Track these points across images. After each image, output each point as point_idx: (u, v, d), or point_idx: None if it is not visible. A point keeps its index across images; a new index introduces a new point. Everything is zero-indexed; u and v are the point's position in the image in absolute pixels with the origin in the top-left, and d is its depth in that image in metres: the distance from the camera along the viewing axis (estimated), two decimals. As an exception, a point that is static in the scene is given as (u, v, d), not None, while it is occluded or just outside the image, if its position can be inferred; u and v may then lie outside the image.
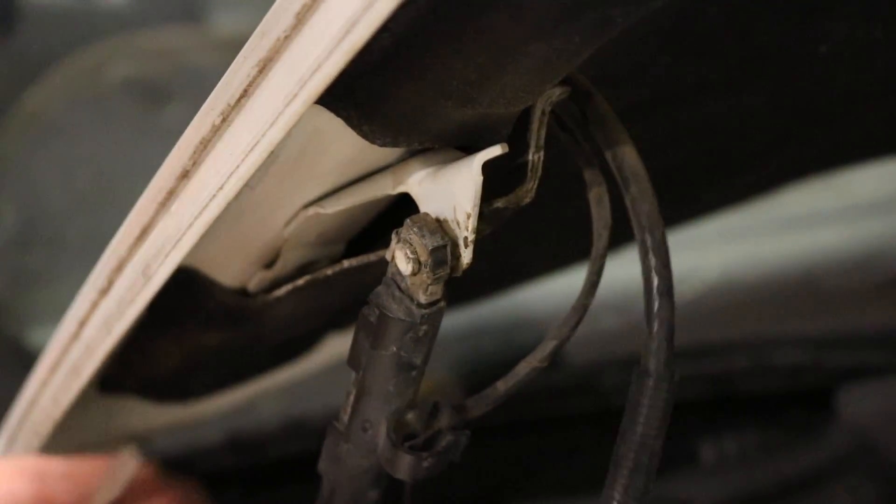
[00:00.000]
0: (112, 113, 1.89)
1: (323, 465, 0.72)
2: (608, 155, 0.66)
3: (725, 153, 0.99)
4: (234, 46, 0.61)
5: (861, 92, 0.95)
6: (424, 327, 0.65)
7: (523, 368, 0.70)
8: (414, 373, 0.67)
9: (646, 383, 0.65)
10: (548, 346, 0.69)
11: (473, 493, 0.97)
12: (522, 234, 0.87)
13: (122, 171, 1.77)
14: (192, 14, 2.20)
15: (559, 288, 0.93)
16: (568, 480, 0.91)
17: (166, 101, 1.87)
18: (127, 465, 0.88)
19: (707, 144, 0.95)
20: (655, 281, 0.65)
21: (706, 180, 1.04)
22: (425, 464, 0.68)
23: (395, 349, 0.66)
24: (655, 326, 0.65)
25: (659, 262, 0.65)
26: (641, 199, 0.65)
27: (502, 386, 0.71)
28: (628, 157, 0.65)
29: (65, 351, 0.83)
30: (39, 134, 1.82)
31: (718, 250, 1.79)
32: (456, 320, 1.39)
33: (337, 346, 1.06)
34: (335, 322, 0.99)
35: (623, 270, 1.39)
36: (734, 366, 1.47)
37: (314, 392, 1.35)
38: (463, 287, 0.68)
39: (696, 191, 1.06)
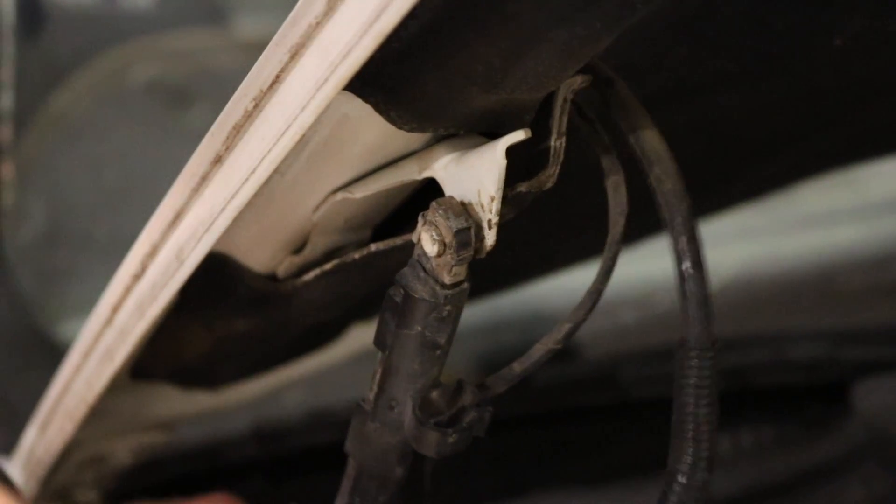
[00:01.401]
0: (137, 114, 1.91)
1: (350, 445, 0.73)
2: (631, 138, 0.67)
3: (742, 145, 1.00)
4: (255, 49, 0.63)
5: (876, 85, 0.96)
6: (448, 307, 0.66)
7: (539, 349, 0.72)
8: (438, 352, 0.68)
9: (689, 356, 0.67)
10: (563, 329, 0.71)
11: (493, 481, 0.97)
12: (543, 226, 0.88)
13: (146, 171, 1.78)
14: (215, 17, 2.21)
15: (579, 282, 0.94)
16: (588, 471, 0.92)
17: (189, 102, 1.88)
18: None
19: (724, 136, 0.95)
20: (686, 256, 0.67)
21: (723, 173, 1.05)
22: (451, 439, 0.69)
23: (419, 329, 0.67)
24: (689, 299, 0.67)
25: (687, 238, 0.66)
26: (666, 179, 0.66)
27: (518, 366, 0.72)
28: (651, 139, 0.67)
29: (98, 336, 0.84)
30: (66, 134, 1.83)
31: (737, 247, 1.79)
32: (477, 314, 1.40)
33: (361, 337, 1.07)
34: (360, 312, 1.00)
35: (642, 265, 1.41)
36: (751, 360, 1.48)
37: (338, 383, 1.36)
38: (485, 279, 0.69)
39: (713, 183, 1.07)
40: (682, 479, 0.68)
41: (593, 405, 1.35)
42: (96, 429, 0.99)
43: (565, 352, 1.25)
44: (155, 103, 1.91)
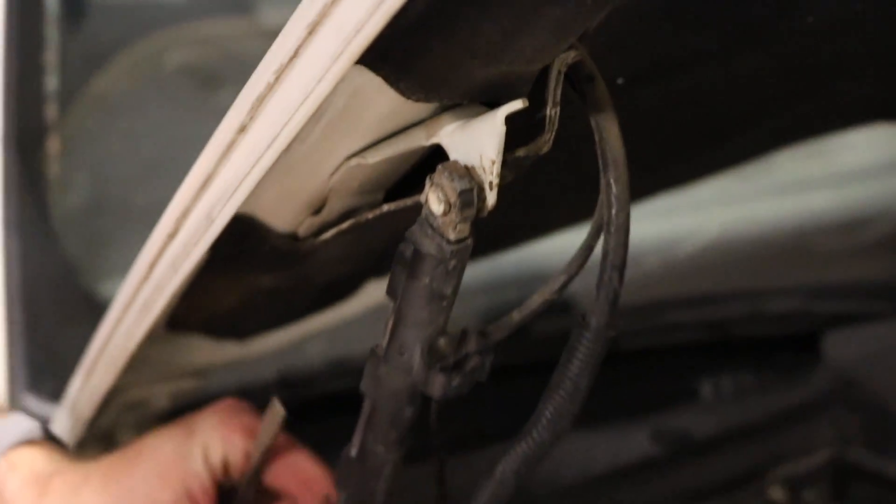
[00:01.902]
0: (170, 94, 1.90)
1: (364, 386, 0.73)
2: (597, 135, 0.68)
3: (721, 117, 1.00)
4: (277, 36, 0.63)
5: (845, 61, 0.96)
6: (453, 262, 0.67)
7: (536, 300, 0.72)
8: (444, 302, 0.69)
9: (584, 335, 0.69)
10: (558, 281, 0.72)
11: (495, 423, 0.98)
12: (541, 190, 0.88)
13: (179, 145, 1.78)
14: (241, 7, 2.23)
15: (577, 242, 0.94)
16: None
17: (218, 84, 1.88)
18: (276, 415, 0.89)
19: (704, 109, 0.96)
20: (611, 256, 0.68)
21: (704, 142, 1.05)
22: (455, 383, 0.70)
23: (427, 281, 0.67)
24: (603, 292, 0.68)
25: (617, 242, 0.67)
26: (616, 183, 0.67)
27: (517, 315, 0.73)
28: (614, 142, 0.68)
29: (137, 290, 0.85)
30: (107, 113, 1.83)
31: (718, 211, 1.80)
32: (481, 273, 1.41)
33: (375, 292, 1.07)
34: (374, 269, 1.00)
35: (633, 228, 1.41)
36: (730, 313, 1.48)
37: (356, 334, 1.38)
38: (488, 239, 0.70)
39: (695, 152, 1.07)
40: (535, 434, 0.72)
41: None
42: (136, 376, 0.99)
43: (561, 306, 1.25)
44: (187, 85, 1.91)
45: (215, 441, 0.88)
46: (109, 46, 1.92)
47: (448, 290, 0.68)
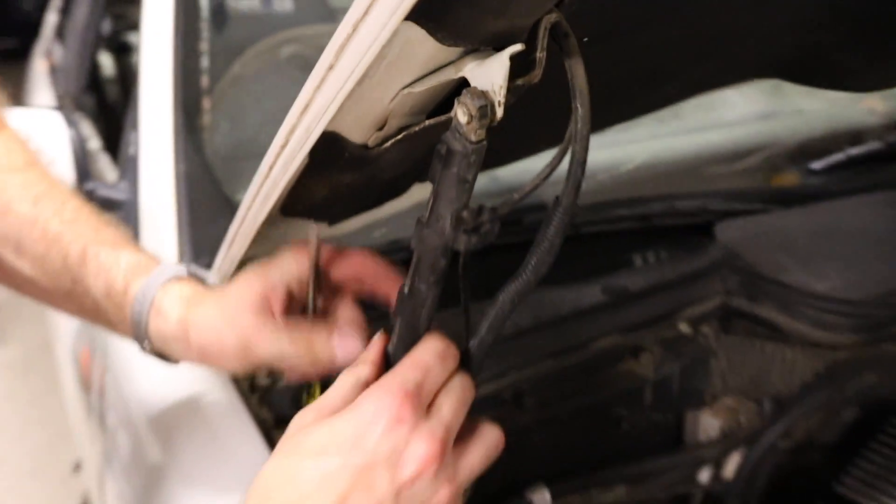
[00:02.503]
0: (283, 75, 1.88)
1: (413, 243, 0.71)
2: (569, 75, 0.66)
3: (651, 69, 0.97)
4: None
5: (735, 32, 0.92)
6: (474, 156, 0.65)
7: (528, 185, 0.70)
8: (467, 185, 0.66)
9: (558, 208, 0.69)
10: (543, 173, 0.69)
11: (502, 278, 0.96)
12: (533, 114, 0.85)
13: (287, 108, 1.78)
14: (331, 17, 2.22)
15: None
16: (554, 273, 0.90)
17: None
18: (313, 230, 0.88)
19: (640, 62, 0.93)
20: (577, 155, 0.67)
21: (639, 87, 1.02)
22: (474, 241, 0.68)
23: (455, 170, 0.65)
24: (571, 180, 0.68)
25: (581, 147, 0.66)
26: (581, 107, 0.66)
27: (516, 195, 0.70)
28: (580, 80, 0.66)
29: (261, 185, 0.83)
30: (241, 86, 1.82)
31: (646, 144, 1.79)
32: (486, 181, 1.39)
33: (419, 192, 1.04)
34: (418, 175, 0.98)
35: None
36: (653, 210, 1.46)
37: (405, 222, 1.38)
38: (492, 154, 0.68)
39: (633, 94, 1.04)
40: (524, 275, 0.71)
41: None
42: (260, 248, 0.97)
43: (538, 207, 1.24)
44: (295, 70, 1.88)
45: (289, 262, 0.90)
46: (243, 42, 1.90)
47: (470, 176, 0.66)
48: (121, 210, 1.71)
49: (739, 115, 1.99)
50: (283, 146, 0.76)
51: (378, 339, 0.78)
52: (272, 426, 1.14)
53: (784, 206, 1.55)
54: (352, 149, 0.76)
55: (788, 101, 2.10)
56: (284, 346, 0.85)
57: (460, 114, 0.63)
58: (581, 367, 1.24)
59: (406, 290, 0.74)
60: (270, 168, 0.80)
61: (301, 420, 0.73)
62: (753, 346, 1.33)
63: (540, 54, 0.64)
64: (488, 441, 0.75)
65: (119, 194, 1.71)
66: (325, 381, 0.87)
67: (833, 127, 2.00)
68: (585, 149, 0.66)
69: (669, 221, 1.47)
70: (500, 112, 0.62)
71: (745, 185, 1.72)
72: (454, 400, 0.72)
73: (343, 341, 0.86)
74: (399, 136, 0.73)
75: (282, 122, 0.75)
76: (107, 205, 1.71)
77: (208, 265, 1.44)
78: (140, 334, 0.92)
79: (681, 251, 1.40)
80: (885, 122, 2.02)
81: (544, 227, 0.69)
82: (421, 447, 0.68)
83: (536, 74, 0.65)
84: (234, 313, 0.87)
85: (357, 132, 0.75)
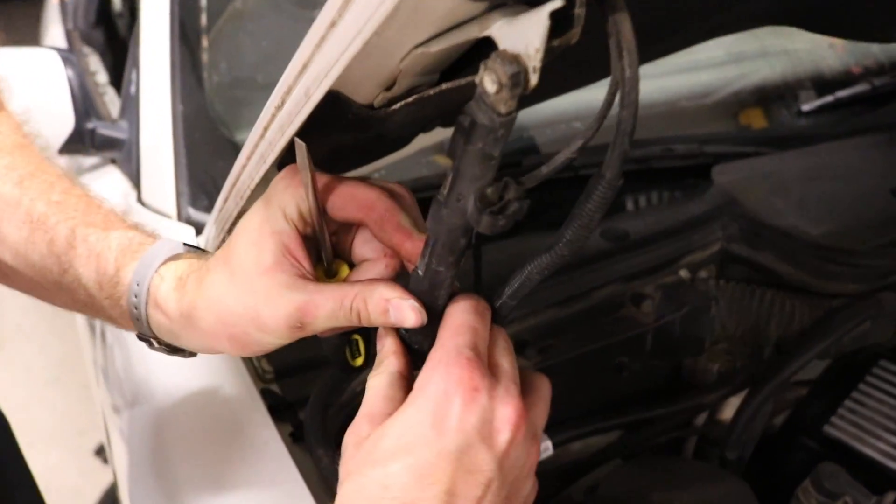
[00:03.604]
0: (281, 11, 1.71)
1: (429, 224, 0.58)
2: (612, 32, 0.50)
3: (678, 14, 0.82)
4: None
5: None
6: (502, 130, 0.50)
7: (560, 157, 0.57)
8: (493, 161, 0.53)
9: (601, 182, 0.54)
10: (576, 143, 0.56)
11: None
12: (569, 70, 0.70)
13: (286, 43, 1.62)
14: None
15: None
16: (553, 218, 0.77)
17: (313, 6, 1.70)
18: (301, 147, 0.65)
19: (670, 8, 0.77)
20: (623, 125, 0.51)
21: (661, 33, 0.87)
22: (500, 223, 0.54)
23: (481, 145, 0.51)
24: (616, 151, 0.53)
25: (628, 114, 0.51)
26: (629, 68, 0.50)
27: (545, 169, 0.57)
28: (627, 36, 0.50)
29: (255, 147, 0.69)
30: (240, 22, 1.66)
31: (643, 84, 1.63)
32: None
33: (420, 140, 0.90)
34: (424, 128, 0.83)
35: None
36: (652, 153, 1.34)
37: (408, 167, 1.25)
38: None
39: (654, 40, 0.89)
40: (557, 249, 0.58)
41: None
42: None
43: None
44: (292, 4, 1.71)
45: (286, 198, 0.66)
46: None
47: (496, 152, 0.52)
48: (122, 149, 1.56)
49: (708, 57, 1.83)
50: (279, 107, 0.61)
51: (385, 330, 0.65)
52: (272, 379, 1.02)
53: (778, 149, 1.41)
54: (356, 110, 0.61)
55: (757, 42, 1.94)
56: (338, 312, 0.64)
57: (488, 82, 0.48)
58: (583, 316, 1.11)
59: (421, 272, 0.60)
60: (265, 129, 0.65)
61: (356, 435, 0.59)
62: (753, 294, 1.21)
63: (579, 10, 0.50)
64: (545, 391, 0.65)
65: (120, 133, 1.56)
66: (366, 335, 0.72)
67: (794, 66, 1.84)
68: (634, 116, 0.51)
69: (667, 164, 1.34)
70: (534, 79, 0.47)
71: (716, 122, 1.60)
72: (507, 353, 0.62)
73: (398, 310, 0.63)
74: (410, 100, 0.59)
75: (280, 60, 0.61)
76: (108, 143, 1.56)
77: (207, 208, 1.31)
78: (144, 332, 0.74)
79: (680, 196, 1.28)
80: (844, 55, 1.87)
81: (583, 201, 0.55)
82: (507, 410, 0.57)
83: (575, 33, 0.50)
84: (258, 283, 0.65)
85: (362, 92, 0.60)
